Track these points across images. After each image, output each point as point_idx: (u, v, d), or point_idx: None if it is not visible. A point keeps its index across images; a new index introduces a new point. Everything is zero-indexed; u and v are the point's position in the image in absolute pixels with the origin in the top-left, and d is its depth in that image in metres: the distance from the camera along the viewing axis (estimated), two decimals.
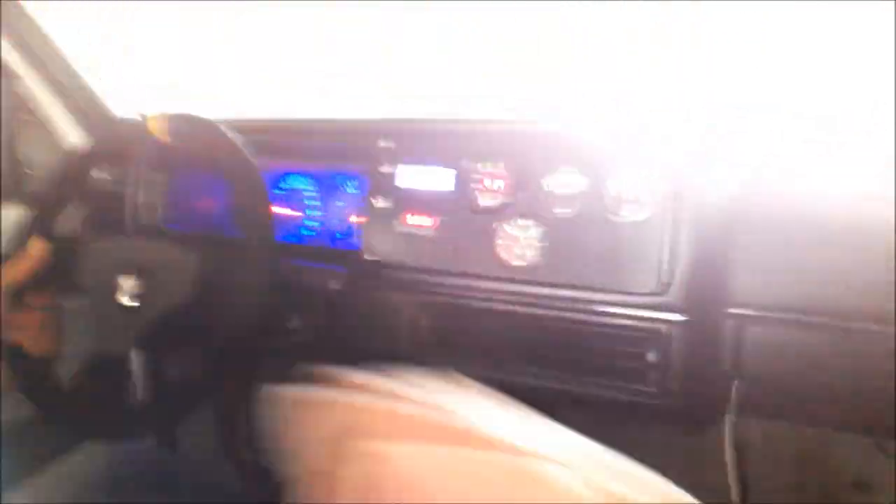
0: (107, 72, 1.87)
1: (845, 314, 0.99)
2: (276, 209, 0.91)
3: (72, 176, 1.03)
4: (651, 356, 1.05)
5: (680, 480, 1.33)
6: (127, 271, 0.94)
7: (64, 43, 1.49)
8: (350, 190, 1.33)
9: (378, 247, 1.20)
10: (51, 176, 1.03)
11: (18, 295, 0.94)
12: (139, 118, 0.98)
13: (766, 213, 1.06)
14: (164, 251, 0.96)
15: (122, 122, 0.95)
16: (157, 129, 0.97)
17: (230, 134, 0.94)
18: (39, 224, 1.01)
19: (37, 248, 0.97)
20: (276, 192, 1.18)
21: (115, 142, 1.01)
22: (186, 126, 0.96)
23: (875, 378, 1.00)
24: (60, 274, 0.97)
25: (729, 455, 1.15)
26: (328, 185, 1.37)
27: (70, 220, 1.54)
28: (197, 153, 0.95)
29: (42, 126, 1.57)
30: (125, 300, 0.92)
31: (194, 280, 0.92)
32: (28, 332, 0.94)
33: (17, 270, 0.95)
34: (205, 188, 1.32)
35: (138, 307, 0.93)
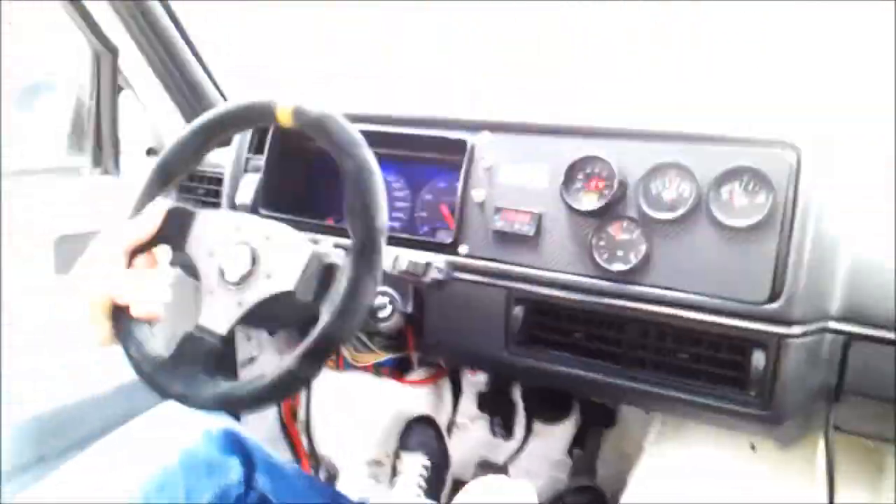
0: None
1: None
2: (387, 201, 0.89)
3: (196, 144, 1.00)
4: (755, 365, 1.05)
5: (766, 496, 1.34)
6: (238, 247, 0.92)
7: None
8: (441, 184, 1.31)
9: (473, 242, 1.19)
10: (175, 143, 1.00)
11: (135, 254, 0.92)
12: (269, 102, 0.96)
13: (879, 225, 1.06)
14: (277, 232, 0.94)
15: (251, 99, 0.93)
16: (289, 116, 0.95)
17: (356, 132, 0.91)
18: (159, 188, 0.98)
19: (156, 212, 0.95)
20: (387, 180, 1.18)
21: (243, 118, 0.98)
22: (319, 119, 0.93)
23: None
24: (174, 242, 0.95)
25: (821, 470, 1.17)
26: (418, 178, 1.35)
27: (187, 194, 1.52)
28: (324, 145, 0.93)
29: (142, 105, 1.54)
30: (233, 276, 0.90)
31: (303, 266, 0.90)
32: (138, 294, 0.92)
33: (137, 230, 0.93)
34: (322, 179, 1.29)
35: (244, 284, 0.90)
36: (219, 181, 1.46)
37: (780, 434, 1.15)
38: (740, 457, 1.41)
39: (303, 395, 1.97)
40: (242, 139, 1.43)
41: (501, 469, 1.80)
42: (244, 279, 0.91)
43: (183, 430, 1.04)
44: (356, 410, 1.90)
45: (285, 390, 0.88)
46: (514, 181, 1.22)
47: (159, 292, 0.92)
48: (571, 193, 1.17)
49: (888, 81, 1.53)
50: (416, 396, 1.86)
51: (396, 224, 1.36)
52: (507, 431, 1.82)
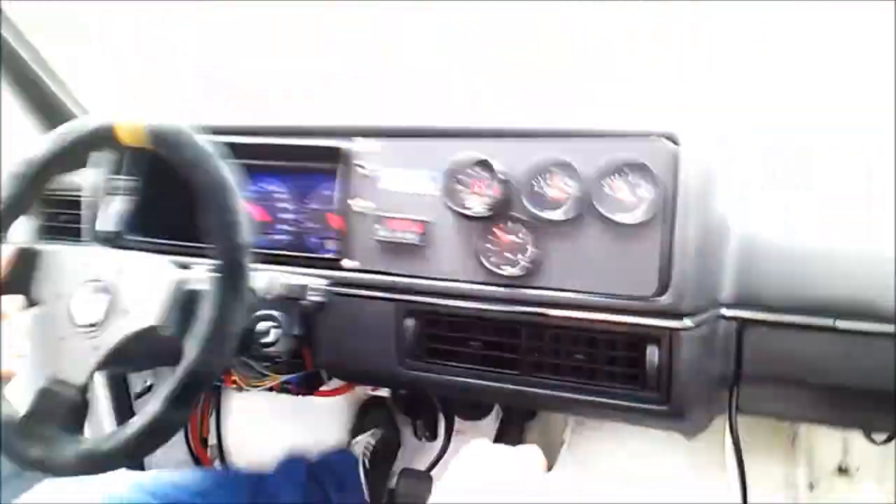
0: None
1: (840, 313, 0.97)
2: (248, 217, 0.85)
3: (33, 179, 0.96)
4: (650, 361, 1.01)
5: (683, 479, 1.35)
6: (88, 285, 0.87)
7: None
8: (326, 192, 1.27)
9: (358, 254, 1.15)
10: (9, 178, 0.96)
11: None
12: (107, 122, 0.91)
13: (762, 212, 1.03)
14: (132, 263, 0.89)
15: (86, 123, 0.90)
16: (131, 134, 0.89)
17: (210, 146, 0.87)
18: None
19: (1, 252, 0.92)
20: (248, 193, 1.15)
21: (80, 144, 0.94)
22: (165, 134, 0.88)
23: (868, 374, 0.98)
24: (21, 288, 0.90)
25: (729, 454, 1.16)
26: (303, 187, 1.31)
27: (28, 226, 1.49)
28: (172, 162, 0.89)
29: None
30: (85, 319, 0.85)
31: (164, 296, 0.85)
32: None
33: None
34: (175, 198, 1.28)
35: (99, 326, 0.85)
36: (80, 205, 1.39)
37: (685, 426, 1.11)
38: (654, 446, 1.41)
39: (211, 419, 1.93)
40: (105, 157, 1.37)
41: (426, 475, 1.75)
42: (99, 321, 0.86)
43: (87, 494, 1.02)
44: (269, 429, 1.85)
45: (155, 440, 0.82)
46: (395, 188, 1.18)
47: (9, 347, 0.88)
48: (455, 198, 1.13)
49: (888, 81, 1.49)
50: (329, 408, 1.83)
51: (283, 237, 1.32)
52: (432, 433, 1.78)
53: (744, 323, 1.01)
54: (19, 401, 0.90)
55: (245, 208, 0.87)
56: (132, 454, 0.82)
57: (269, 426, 1.85)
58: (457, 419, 1.71)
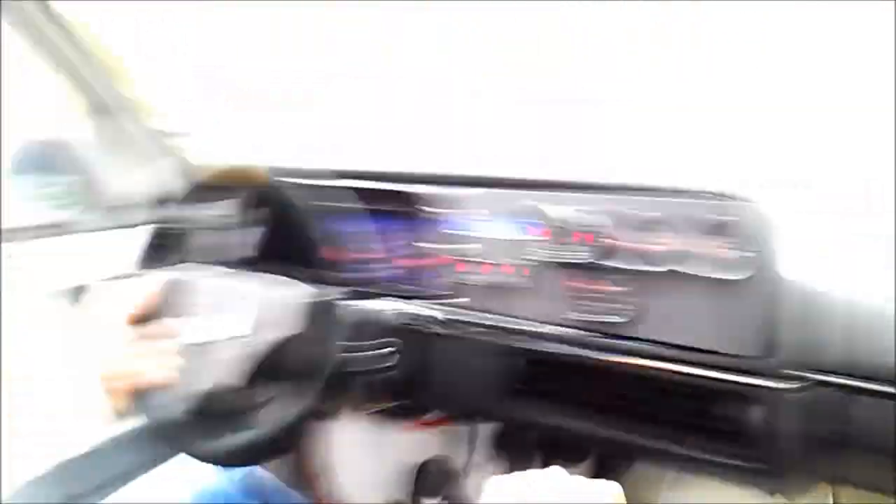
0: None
1: None
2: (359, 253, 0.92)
3: (187, 212, 1.03)
4: (750, 420, 1.05)
5: None
6: (241, 304, 0.95)
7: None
8: (436, 234, 1.31)
9: (468, 295, 1.19)
10: (166, 209, 1.03)
11: (139, 324, 0.95)
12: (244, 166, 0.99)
13: (872, 276, 1.07)
14: (276, 289, 0.97)
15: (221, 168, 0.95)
16: (258, 178, 0.98)
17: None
18: (152, 258, 1.02)
19: (153, 285, 0.98)
20: (362, 234, 1.18)
21: (223, 182, 1.00)
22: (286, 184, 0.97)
23: None
24: (175, 312, 0.97)
25: None
26: (415, 228, 1.35)
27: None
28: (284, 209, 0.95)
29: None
30: (239, 333, 0.94)
31: (302, 326, 0.93)
32: (149, 360, 0.94)
33: (137, 304, 0.96)
34: (302, 230, 1.31)
35: (250, 335, 0.94)
36: (211, 232, 1.42)
37: (785, 487, 1.15)
38: None
39: (321, 439, 1.97)
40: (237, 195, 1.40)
41: None
42: (252, 331, 0.94)
43: (204, 474, 1.07)
44: (373, 453, 1.90)
45: (306, 430, 0.91)
46: (505, 235, 1.23)
47: (170, 358, 0.94)
48: (560, 246, 1.17)
49: (888, 82, 1.53)
50: (430, 438, 1.87)
51: (396, 274, 1.36)
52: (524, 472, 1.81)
53: (849, 391, 1.02)
54: (173, 407, 0.98)
55: (367, 249, 0.97)
56: (290, 443, 0.95)
57: (371, 450, 1.89)
58: (551, 461, 1.74)
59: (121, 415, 0.94)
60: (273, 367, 0.97)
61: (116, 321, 0.93)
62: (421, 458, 1.85)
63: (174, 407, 0.94)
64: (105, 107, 1.52)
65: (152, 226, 1.01)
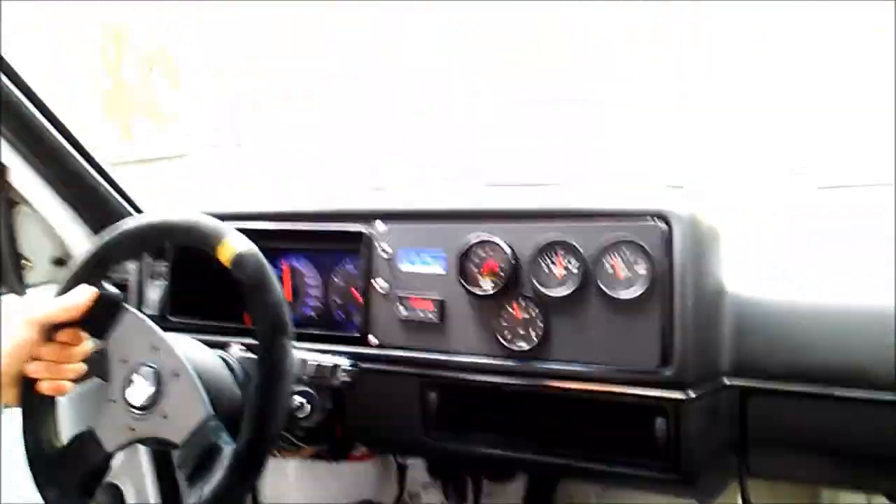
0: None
1: (839, 380, 1.02)
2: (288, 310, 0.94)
3: (136, 241, 1.05)
4: (658, 432, 1.06)
5: None
6: (149, 370, 0.96)
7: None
8: (350, 269, 1.35)
9: (381, 331, 1.22)
10: (120, 231, 1.04)
11: (52, 331, 0.95)
12: (217, 232, 1.00)
13: (759, 286, 1.07)
14: (183, 378, 0.98)
15: (201, 224, 0.98)
16: (225, 256, 0.98)
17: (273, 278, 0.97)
18: (90, 274, 1.02)
19: (83, 295, 0.98)
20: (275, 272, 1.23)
21: (187, 236, 1.03)
22: (252, 273, 0.98)
23: (875, 440, 1.03)
24: (97, 330, 0.99)
25: None
26: (328, 264, 1.38)
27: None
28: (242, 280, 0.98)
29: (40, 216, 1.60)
30: (135, 400, 0.94)
31: (185, 443, 0.93)
32: (50, 370, 0.96)
33: (59, 309, 0.96)
34: (212, 282, 1.36)
35: (143, 412, 0.94)
36: (124, 288, 1.45)
37: (696, 492, 1.16)
38: None
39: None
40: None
41: None
42: (143, 408, 0.95)
43: None
44: (304, 492, 1.91)
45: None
46: (413, 268, 1.25)
47: (73, 371, 0.95)
48: (468, 277, 1.20)
49: (888, 82, 1.52)
50: (361, 472, 1.88)
51: (311, 312, 1.39)
52: (460, 495, 1.83)
53: (746, 391, 1.08)
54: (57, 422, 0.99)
55: (286, 305, 0.97)
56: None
57: (303, 490, 1.93)
58: (485, 482, 1.76)
59: (10, 405, 0.94)
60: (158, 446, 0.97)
61: (29, 324, 0.93)
62: (354, 497, 1.86)
63: (52, 429, 0.94)
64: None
65: (90, 251, 1.02)
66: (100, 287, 1.00)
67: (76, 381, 0.97)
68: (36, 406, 0.96)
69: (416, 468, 1.92)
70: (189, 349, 1.01)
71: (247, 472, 0.91)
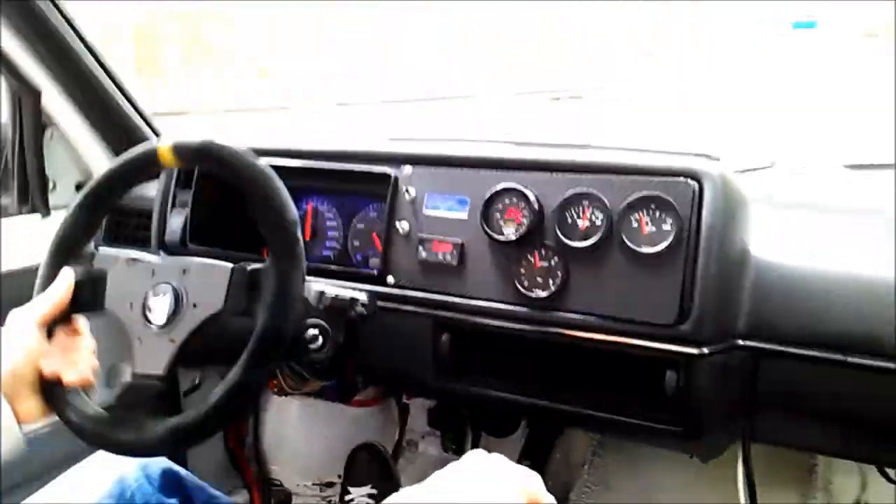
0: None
1: (852, 347, 1.05)
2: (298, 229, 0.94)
3: (93, 208, 1.05)
4: (668, 384, 1.08)
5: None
6: (158, 291, 0.96)
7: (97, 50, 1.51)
8: (372, 213, 1.35)
9: (400, 272, 1.22)
10: (73, 210, 1.04)
11: (52, 327, 0.95)
12: (148, 149, 1.00)
13: (781, 252, 1.09)
14: (196, 270, 0.99)
15: (133, 151, 0.97)
16: (168, 156, 0.98)
17: (249, 157, 0.95)
18: (60, 262, 1.02)
19: (63, 285, 0.99)
20: (298, 213, 1.21)
21: (130, 172, 1.02)
22: (193, 151, 0.98)
23: (880, 408, 1.07)
24: (90, 308, 0.98)
25: (741, 480, 1.21)
26: (350, 207, 1.38)
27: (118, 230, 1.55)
28: (218, 176, 0.97)
29: (67, 141, 1.61)
30: (159, 318, 0.94)
31: (226, 282, 0.94)
32: (62, 361, 0.95)
33: (48, 305, 0.96)
34: (235, 207, 1.36)
35: (172, 321, 0.94)
36: (150, 215, 1.44)
37: (700, 448, 1.18)
38: (672, 469, 1.45)
39: (249, 421, 1.99)
40: (169, 173, 1.42)
41: None
42: (171, 318, 0.94)
43: (121, 472, 1.07)
44: (304, 433, 1.91)
45: (237, 407, 0.89)
46: (436, 213, 1.26)
47: (87, 359, 0.95)
48: (491, 224, 1.20)
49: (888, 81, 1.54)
50: (362, 417, 1.88)
51: (329, 253, 1.39)
52: (459, 447, 1.83)
53: (759, 353, 1.08)
54: (90, 404, 0.98)
55: (285, 191, 0.96)
56: (217, 424, 0.90)
57: (303, 431, 1.92)
58: (483, 435, 1.76)
59: (35, 420, 0.93)
60: (197, 351, 0.97)
61: (27, 327, 0.93)
62: (353, 441, 1.86)
63: (92, 403, 0.93)
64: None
65: (53, 241, 1.02)
66: (77, 266, 1.01)
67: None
68: (69, 398, 0.94)
69: (416, 418, 1.92)
70: (186, 258, 1.01)
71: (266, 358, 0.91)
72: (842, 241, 1.13)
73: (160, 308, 0.92)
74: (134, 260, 1.02)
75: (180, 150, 0.97)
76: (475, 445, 1.74)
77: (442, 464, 1.11)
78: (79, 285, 0.95)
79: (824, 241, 1.13)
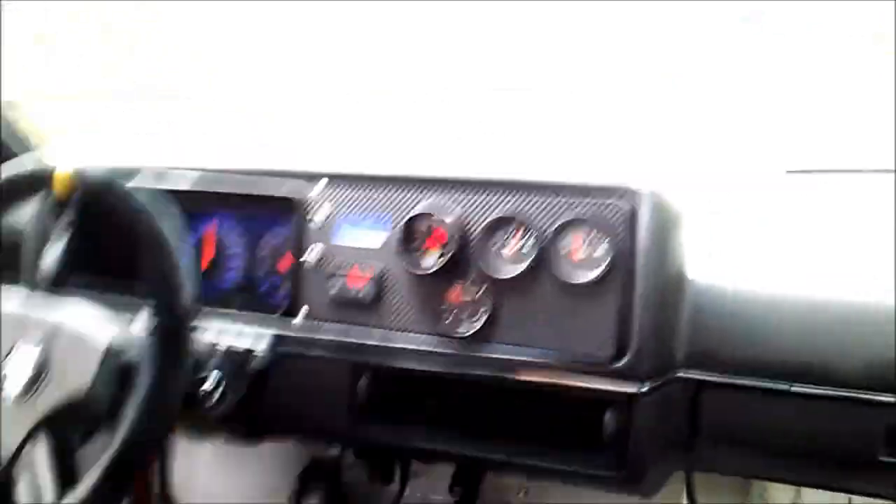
0: None
1: (795, 376, 1.00)
2: (192, 276, 0.82)
3: None
4: (607, 426, 1.01)
5: None
6: (22, 349, 0.83)
7: None
8: (279, 236, 1.22)
9: (311, 307, 1.11)
10: None
11: None
12: (43, 168, 0.86)
13: (719, 274, 1.04)
14: (68, 322, 0.85)
15: (22, 167, 0.85)
16: (63, 185, 0.85)
17: (147, 202, 0.83)
18: None
19: None
20: (197, 236, 1.09)
21: (13, 190, 0.89)
22: (97, 188, 0.84)
23: (825, 436, 1.00)
24: None
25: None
26: (256, 229, 1.25)
27: None
28: (109, 215, 0.85)
29: None
30: (15, 387, 0.81)
31: (96, 366, 0.81)
32: None
33: None
34: (118, 237, 1.21)
35: (29, 394, 0.81)
36: (18, 249, 1.28)
37: (641, 488, 1.11)
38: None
39: (154, 469, 1.86)
40: (45, 196, 1.27)
41: None
42: (29, 388, 0.82)
43: None
44: (215, 477, 1.81)
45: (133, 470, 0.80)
46: (349, 241, 1.14)
47: None
48: (410, 253, 1.10)
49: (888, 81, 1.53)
50: (276, 456, 1.79)
51: (232, 283, 1.26)
52: (387, 476, 1.75)
53: (700, 385, 1.02)
54: None
55: (189, 268, 0.83)
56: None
57: (214, 473, 1.80)
58: (413, 461, 1.68)
59: None
60: (71, 425, 0.84)
61: None
62: (272, 477, 1.76)
63: None
64: None
65: None
66: None
67: None
68: None
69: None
70: (63, 309, 0.89)
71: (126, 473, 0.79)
72: (784, 256, 1.06)
73: (20, 373, 0.80)
74: (4, 300, 0.90)
75: (83, 182, 0.84)
76: (405, 472, 1.63)
77: (368, 498, 0.99)
78: None
79: (765, 258, 1.07)
